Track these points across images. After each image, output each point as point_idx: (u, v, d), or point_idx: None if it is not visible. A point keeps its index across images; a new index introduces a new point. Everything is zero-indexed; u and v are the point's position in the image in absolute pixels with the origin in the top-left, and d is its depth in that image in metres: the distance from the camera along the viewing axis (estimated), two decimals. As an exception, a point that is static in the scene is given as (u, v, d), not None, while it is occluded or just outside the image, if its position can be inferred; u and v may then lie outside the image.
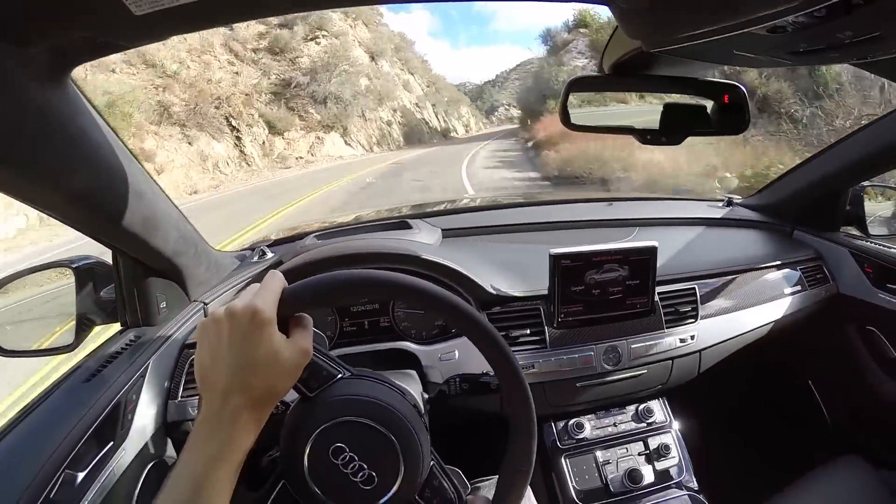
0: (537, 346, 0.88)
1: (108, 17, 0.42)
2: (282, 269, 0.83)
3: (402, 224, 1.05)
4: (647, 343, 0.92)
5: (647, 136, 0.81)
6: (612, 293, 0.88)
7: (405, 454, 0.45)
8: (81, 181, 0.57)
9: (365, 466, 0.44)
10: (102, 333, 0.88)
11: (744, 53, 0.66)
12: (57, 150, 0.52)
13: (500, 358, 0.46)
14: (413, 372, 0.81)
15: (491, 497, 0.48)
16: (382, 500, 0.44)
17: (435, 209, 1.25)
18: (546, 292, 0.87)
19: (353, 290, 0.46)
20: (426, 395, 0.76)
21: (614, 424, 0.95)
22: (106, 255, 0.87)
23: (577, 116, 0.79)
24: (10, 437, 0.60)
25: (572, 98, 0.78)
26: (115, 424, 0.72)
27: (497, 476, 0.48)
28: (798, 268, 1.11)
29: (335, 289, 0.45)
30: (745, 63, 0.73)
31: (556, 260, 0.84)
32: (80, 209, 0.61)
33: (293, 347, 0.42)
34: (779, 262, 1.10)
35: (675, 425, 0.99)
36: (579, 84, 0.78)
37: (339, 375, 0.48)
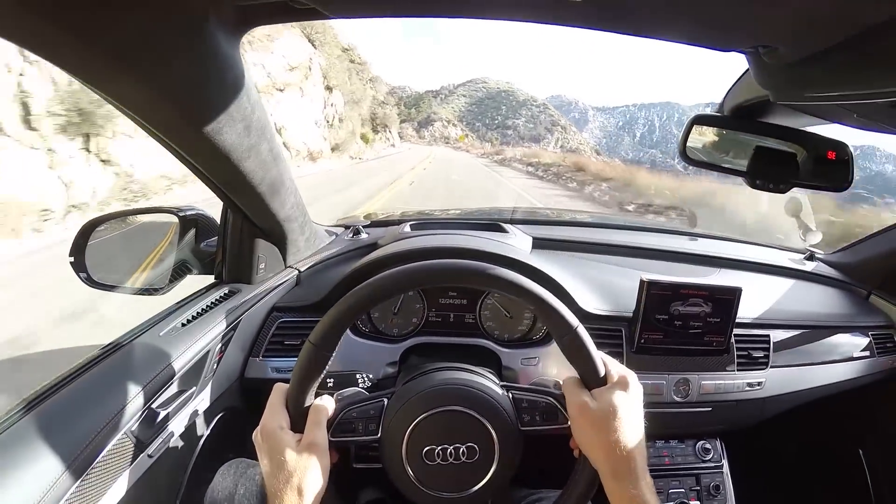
0: None
1: None
2: (384, 254, 0.86)
3: (495, 226, 1.06)
4: (718, 382, 0.92)
5: (756, 182, 0.82)
6: (692, 327, 0.89)
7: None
8: (233, 135, 0.60)
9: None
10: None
11: (863, 118, 0.68)
12: (223, 100, 0.55)
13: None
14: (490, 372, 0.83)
15: None
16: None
17: (526, 217, 1.26)
18: (630, 315, 0.88)
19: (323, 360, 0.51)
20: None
21: (671, 456, 0.95)
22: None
23: (692, 151, 0.80)
24: (105, 363, 0.63)
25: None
26: (199, 371, 0.75)
27: (546, 492, 0.51)
28: (869, 333, 1.10)
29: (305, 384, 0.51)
30: (860, 125, 0.75)
31: (647, 286, 0.85)
32: (223, 161, 0.63)
33: (303, 445, 0.48)
34: (850, 325, 1.09)
35: (727, 468, 0.98)
36: (702, 121, 0.80)
37: (385, 401, 0.53)
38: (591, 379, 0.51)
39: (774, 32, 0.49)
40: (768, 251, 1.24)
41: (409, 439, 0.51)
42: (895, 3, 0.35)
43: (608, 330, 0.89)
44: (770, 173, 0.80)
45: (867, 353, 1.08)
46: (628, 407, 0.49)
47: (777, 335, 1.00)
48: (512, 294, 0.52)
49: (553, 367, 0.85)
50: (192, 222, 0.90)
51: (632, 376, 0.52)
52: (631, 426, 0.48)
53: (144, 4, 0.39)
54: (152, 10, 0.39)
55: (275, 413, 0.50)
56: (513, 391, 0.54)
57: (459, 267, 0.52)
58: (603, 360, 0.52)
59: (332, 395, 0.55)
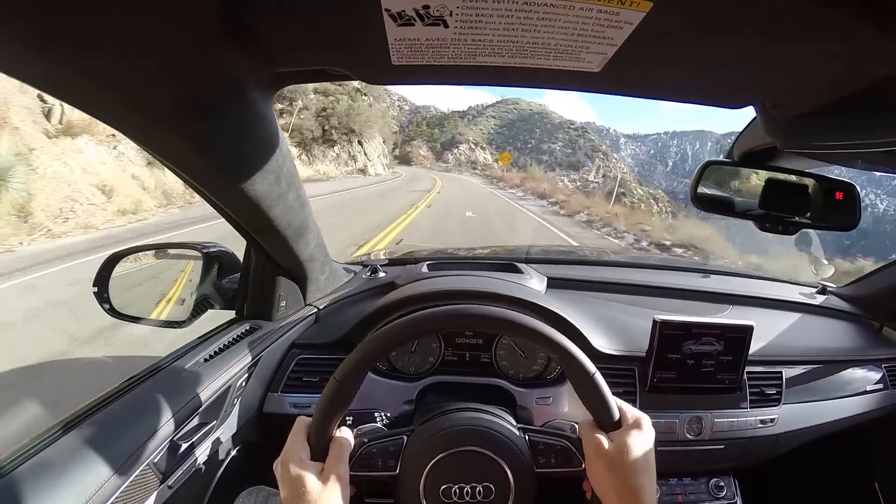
0: None
1: (368, 62, 0.47)
2: (403, 296, 0.88)
3: (511, 267, 1.08)
4: (731, 419, 0.92)
5: (766, 224, 0.83)
6: (704, 365, 0.90)
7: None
8: (265, 185, 0.63)
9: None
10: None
11: (868, 163, 0.70)
12: (257, 154, 0.58)
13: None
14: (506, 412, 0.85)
15: None
16: None
17: (541, 256, 1.28)
18: (643, 354, 0.89)
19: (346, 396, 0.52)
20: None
21: (684, 494, 0.95)
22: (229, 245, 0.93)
23: (703, 195, 0.82)
24: (131, 395, 0.65)
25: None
26: (221, 405, 0.77)
27: None
28: (882, 365, 1.10)
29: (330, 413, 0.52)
30: (866, 168, 0.77)
31: (659, 326, 0.86)
32: (254, 208, 0.66)
33: (325, 477, 0.49)
34: (863, 358, 1.09)
35: None
36: (713, 166, 0.82)
37: (405, 438, 0.54)
38: (606, 422, 0.52)
39: (779, 90, 0.51)
40: (780, 286, 1.25)
41: (428, 477, 0.52)
42: (892, 62, 0.38)
43: (621, 369, 0.90)
44: (782, 206, 0.81)
45: (881, 386, 1.08)
46: (641, 448, 0.50)
47: (790, 371, 1.00)
48: (532, 341, 0.53)
49: (566, 405, 0.86)
50: (214, 259, 0.93)
51: (645, 419, 0.53)
52: (644, 467, 0.49)
53: (192, 72, 0.41)
54: (199, 76, 0.42)
55: (297, 444, 0.51)
56: (529, 433, 0.56)
57: (482, 313, 0.54)
58: (617, 404, 0.54)
59: (351, 430, 0.56)
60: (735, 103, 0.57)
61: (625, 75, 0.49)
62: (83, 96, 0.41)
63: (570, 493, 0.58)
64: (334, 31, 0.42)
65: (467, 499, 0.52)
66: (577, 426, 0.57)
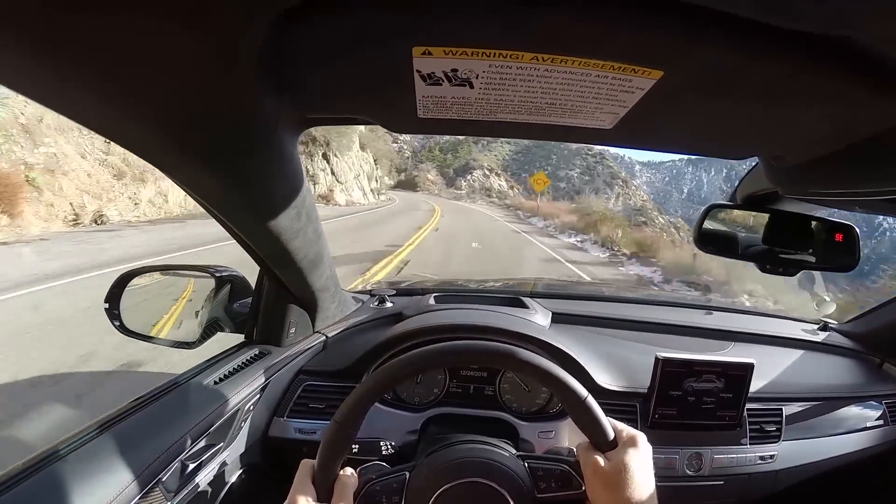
0: None
1: (396, 114, 0.49)
2: (410, 328, 0.90)
3: (516, 301, 1.10)
4: (730, 455, 0.93)
5: (766, 266, 0.85)
6: (705, 402, 0.91)
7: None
8: (286, 219, 0.65)
9: None
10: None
11: (865, 208, 0.73)
12: (282, 190, 0.60)
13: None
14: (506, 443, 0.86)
15: None
16: None
17: (546, 291, 1.30)
18: (644, 391, 0.91)
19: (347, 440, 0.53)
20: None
21: (683, 531, 0.96)
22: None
23: (707, 234, 0.84)
24: (141, 414, 0.66)
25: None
26: (228, 428, 0.79)
27: None
28: (883, 402, 1.10)
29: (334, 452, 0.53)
30: (865, 212, 0.80)
31: (662, 363, 0.88)
32: (273, 239, 0.68)
33: None
34: (864, 394, 1.10)
35: None
36: (716, 208, 0.84)
37: (407, 474, 0.55)
38: (602, 442, 0.53)
39: (779, 144, 0.54)
40: (782, 322, 1.26)
41: None
42: (888, 118, 0.41)
43: (623, 405, 0.91)
44: (786, 241, 0.83)
45: (881, 422, 1.09)
46: (638, 464, 0.51)
47: (790, 408, 1.01)
48: (523, 372, 0.55)
49: (568, 439, 0.87)
50: (226, 282, 0.95)
51: (641, 436, 0.54)
52: (642, 483, 0.50)
53: (229, 114, 0.43)
54: (234, 119, 0.44)
55: (303, 487, 0.52)
56: (528, 460, 0.57)
57: (474, 349, 0.56)
58: (612, 424, 0.55)
59: (355, 469, 0.57)
60: (739, 155, 0.60)
61: (635, 132, 0.51)
62: (126, 134, 0.43)
63: None
64: (367, 86, 0.44)
65: None
66: (574, 449, 0.57)
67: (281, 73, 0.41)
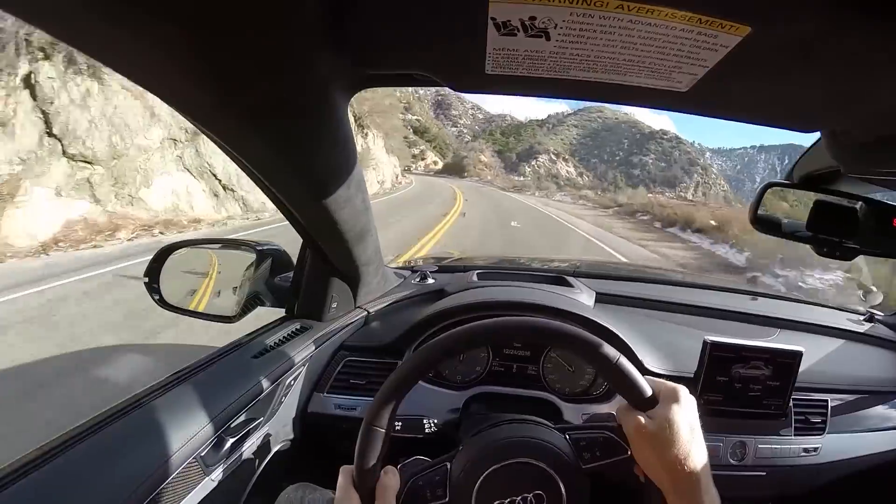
0: None
1: (461, 69, 0.47)
2: (454, 305, 0.89)
3: (560, 280, 1.09)
4: (774, 446, 0.91)
5: (823, 249, 0.83)
6: (752, 390, 0.88)
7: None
8: (335, 187, 0.63)
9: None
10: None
11: None
12: (332, 156, 0.59)
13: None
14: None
15: None
16: None
17: (590, 271, 1.28)
18: (690, 376, 0.89)
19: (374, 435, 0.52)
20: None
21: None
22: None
23: (763, 217, 0.82)
24: (181, 388, 0.66)
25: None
26: (269, 403, 0.79)
27: None
28: None
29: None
30: None
31: (710, 347, 0.85)
32: (320, 209, 0.67)
33: None
34: None
35: None
36: (773, 186, 0.82)
37: (448, 465, 0.54)
38: (641, 401, 0.51)
39: (851, 118, 0.52)
40: (828, 312, 1.23)
41: (477, 498, 0.52)
42: None
43: None
44: (830, 229, 0.81)
45: None
46: (683, 418, 0.48)
47: (835, 400, 0.98)
48: (555, 344, 0.53)
49: None
50: (268, 256, 0.95)
51: (682, 389, 0.51)
52: (689, 438, 0.47)
53: (284, 72, 0.41)
54: (289, 77, 0.42)
55: (346, 494, 0.51)
56: (569, 432, 0.55)
57: (499, 325, 0.53)
58: (650, 381, 0.52)
59: (395, 467, 0.56)
60: (805, 127, 0.57)
61: (707, 96, 0.50)
62: (178, 94, 0.42)
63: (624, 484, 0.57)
64: (434, 37, 0.42)
65: None
66: (614, 413, 0.55)
67: (341, 22, 0.39)
